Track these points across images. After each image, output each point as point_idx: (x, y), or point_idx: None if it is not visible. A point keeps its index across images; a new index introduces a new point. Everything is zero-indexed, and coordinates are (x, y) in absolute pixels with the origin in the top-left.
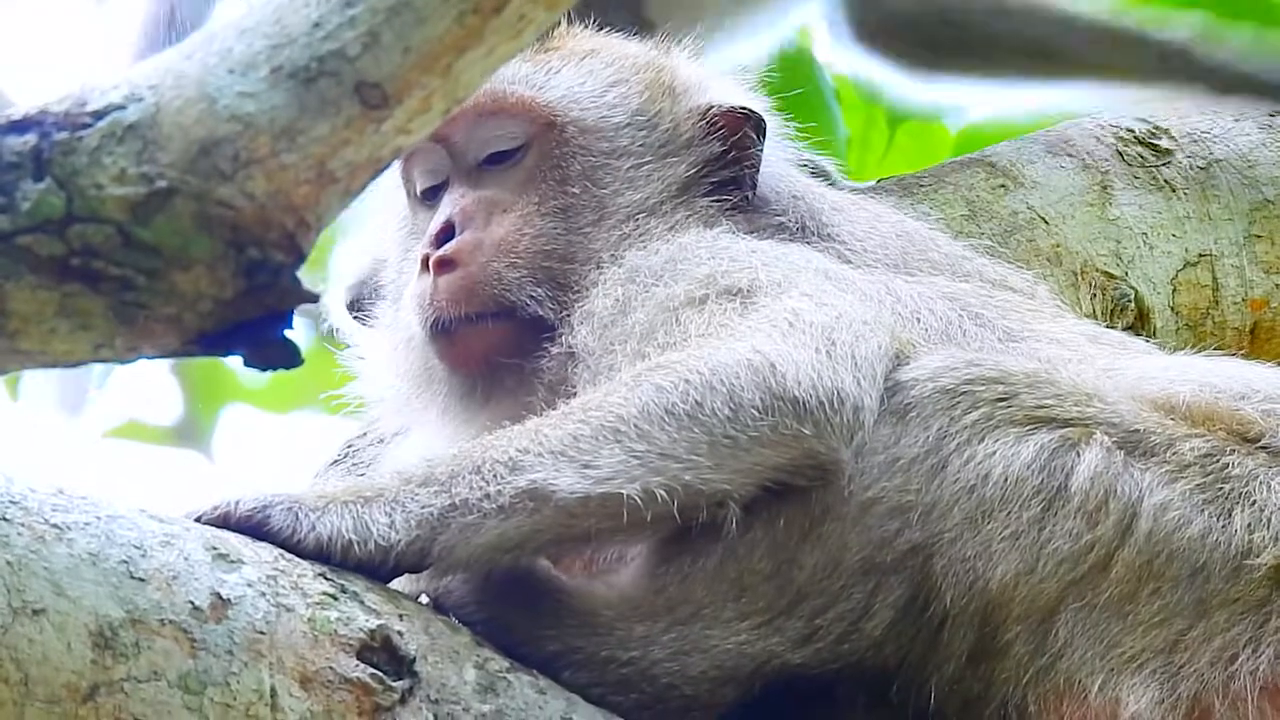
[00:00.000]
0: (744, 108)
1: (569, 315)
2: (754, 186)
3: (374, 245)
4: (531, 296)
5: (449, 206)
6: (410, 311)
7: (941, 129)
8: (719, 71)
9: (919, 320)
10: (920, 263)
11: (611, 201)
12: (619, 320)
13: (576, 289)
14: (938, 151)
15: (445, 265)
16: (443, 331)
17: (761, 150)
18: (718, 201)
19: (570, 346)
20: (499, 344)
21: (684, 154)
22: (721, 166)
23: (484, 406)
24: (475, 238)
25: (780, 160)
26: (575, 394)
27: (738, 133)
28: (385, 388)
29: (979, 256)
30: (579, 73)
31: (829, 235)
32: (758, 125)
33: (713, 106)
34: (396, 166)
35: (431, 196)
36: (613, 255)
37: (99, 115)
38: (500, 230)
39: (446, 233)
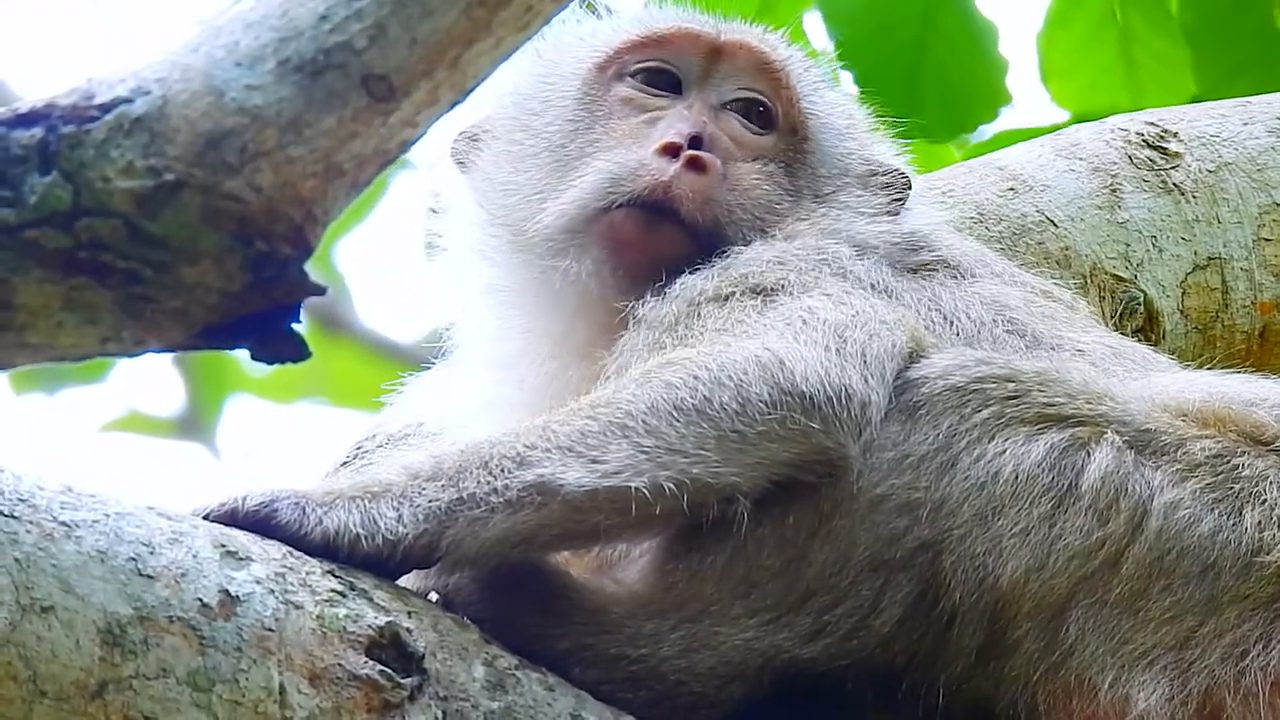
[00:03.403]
0: (902, 171)
1: None
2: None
3: (522, 98)
4: (738, 239)
5: (698, 120)
6: (611, 175)
7: (946, 149)
8: (872, 126)
9: (952, 324)
10: (988, 274)
11: (814, 204)
12: (663, 305)
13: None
14: None
15: (698, 165)
16: (652, 210)
17: (904, 206)
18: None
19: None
20: (677, 258)
21: (864, 194)
22: (882, 211)
23: (600, 296)
24: (723, 166)
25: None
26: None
27: (893, 190)
28: (480, 240)
29: (1025, 273)
30: (831, 104)
31: (935, 255)
32: (908, 185)
33: (881, 163)
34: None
35: (651, 84)
36: None
37: (106, 109)
38: (741, 172)
39: (698, 141)
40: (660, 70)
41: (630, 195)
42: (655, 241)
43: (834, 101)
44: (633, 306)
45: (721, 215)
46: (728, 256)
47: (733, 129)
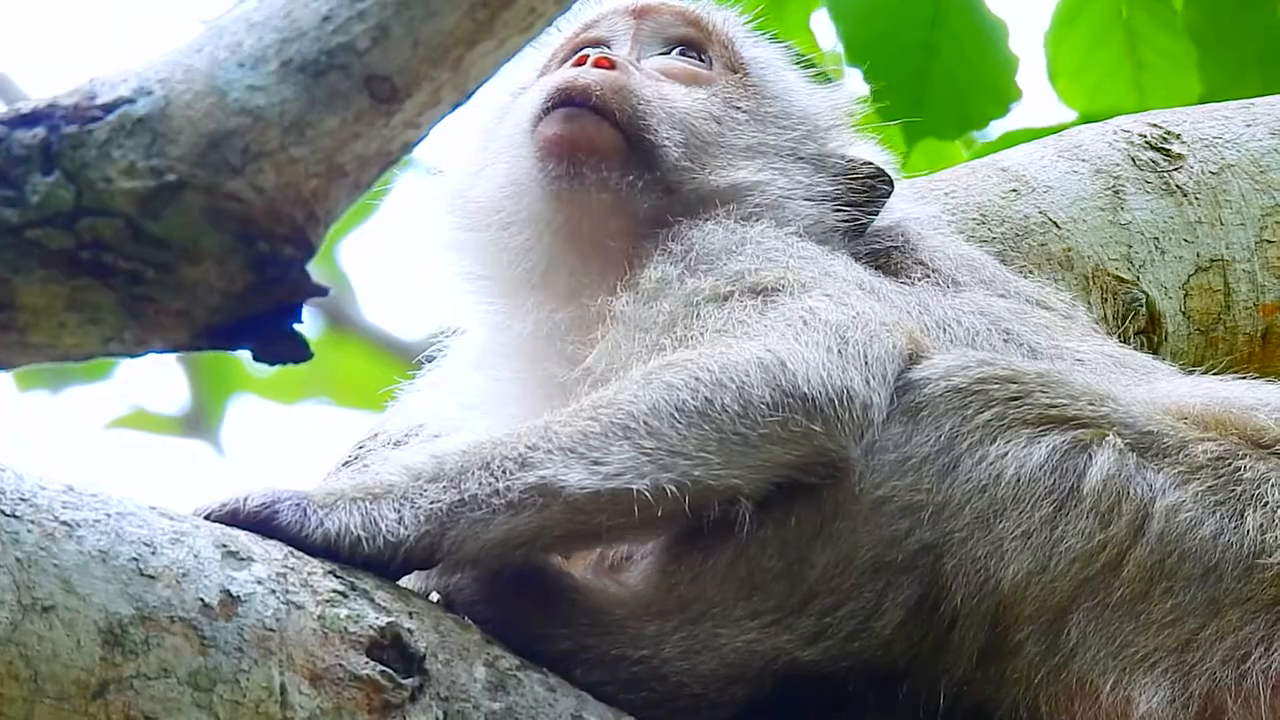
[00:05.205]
0: (882, 170)
1: (669, 196)
2: (867, 226)
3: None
4: (666, 139)
5: (619, 50)
6: (534, 103)
7: (955, 148)
8: (854, 117)
9: (945, 330)
10: (976, 282)
11: (759, 148)
12: (652, 302)
13: (689, 192)
14: None
15: (605, 63)
16: (567, 105)
17: (884, 204)
18: (837, 222)
19: (612, 309)
20: (607, 151)
21: (823, 179)
22: (848, 204)
23: (554, 212)
24: (641, 78)
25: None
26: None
27: (870, 188)
28: (450, 234)
29: (1022, 279)
30: (777, 54)
31: (915, 257)
32: (888, 184)
33: (857, 159)
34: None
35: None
36: (723, 206)
37: (108, 109)
38: (666, 87)
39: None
40: (601, 39)
41: (548, 104)
42: (576, 130)
43: (779, 57)
44: (609, 241)
45: (639, 105)
46: (691, 239)
47: (667, 64)
